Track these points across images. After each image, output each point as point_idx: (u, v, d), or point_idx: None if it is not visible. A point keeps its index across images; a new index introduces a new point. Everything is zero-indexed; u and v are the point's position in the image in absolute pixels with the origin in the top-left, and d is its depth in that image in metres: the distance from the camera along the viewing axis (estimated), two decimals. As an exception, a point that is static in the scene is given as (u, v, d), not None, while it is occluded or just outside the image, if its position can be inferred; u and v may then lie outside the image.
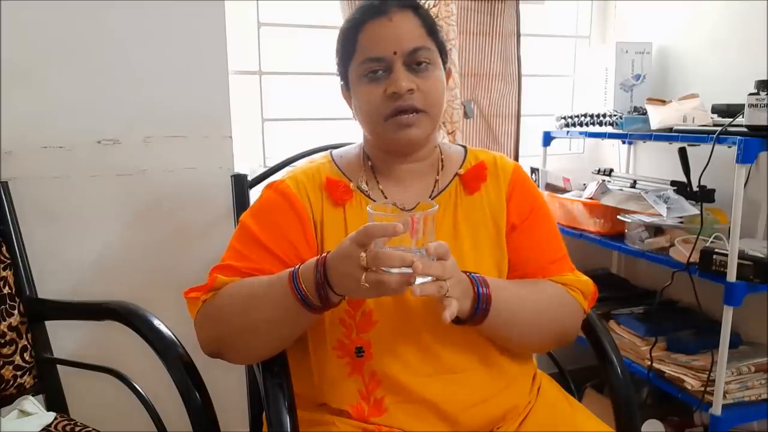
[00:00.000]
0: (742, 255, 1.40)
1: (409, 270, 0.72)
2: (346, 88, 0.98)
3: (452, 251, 0.93)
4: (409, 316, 0.90)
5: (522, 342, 0.96)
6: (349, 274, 0.74)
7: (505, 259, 0.98)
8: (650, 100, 1.72)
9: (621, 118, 1.74)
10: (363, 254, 0.72)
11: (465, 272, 0.87)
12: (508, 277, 0.98)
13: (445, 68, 0.97)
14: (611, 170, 1.96)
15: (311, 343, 0.93)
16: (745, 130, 1.38)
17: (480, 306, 0.85)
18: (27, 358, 1.23)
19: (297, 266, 0.82)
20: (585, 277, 1.01)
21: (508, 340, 0.94)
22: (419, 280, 0.74)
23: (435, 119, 0.94)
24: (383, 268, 0.72)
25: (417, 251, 0.75)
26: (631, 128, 1.71)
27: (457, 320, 0.87)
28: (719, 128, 1.42)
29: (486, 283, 0.86)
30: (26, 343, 1.24)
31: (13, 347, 1.21)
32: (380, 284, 0.72)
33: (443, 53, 0.96)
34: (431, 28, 0.93)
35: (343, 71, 0.97)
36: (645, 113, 1.70)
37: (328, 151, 1.05)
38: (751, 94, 1.36)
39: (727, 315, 1.42)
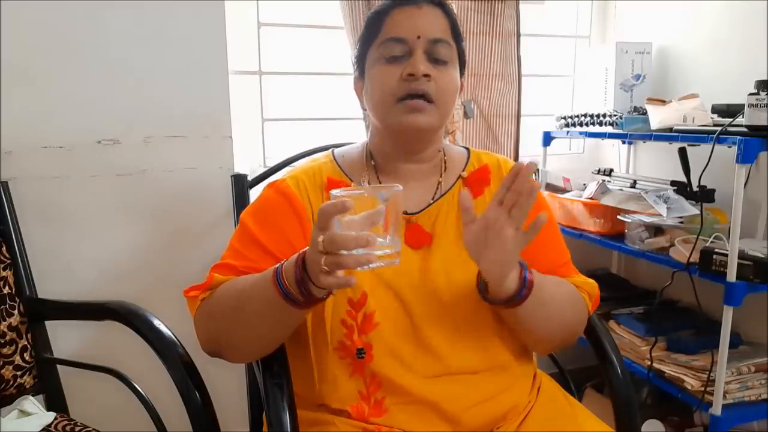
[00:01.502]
0: (742, 255, 1.40)
1: (364, 251, 0.70)
2: (360, 77, 0.98)
3: (457, 254, 0.93)
4: (411, 318, 0.90)
5: (541, 335, 0.95)
6: (313, 260, 0.73)
7: None
8: (650, 100, 1.72)
9: (621, 118, 1.74)
10: (321, 238, 0.71)
11: None
12: None
13: (461, 76, 0.97)
14: (611, 170, 1.96)
15: (312, 344, 0.93)
16: (745, 130, 1.38)
17: (524, 289, 0.84)
18: (27, 358, 1.23)
19: (282, 263, 0.81)
20: (591, 280, 1.02)
21: (532, 331, 0.93)
22: (379, 263, 0.72)
23: (443, 114, 0.93)
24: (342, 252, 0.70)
25: (389, 239, 0.73)
26: (631, 128, 1.71)
27: (493, 300, 0.87)
28: (719, 128, 1.42)
29: (531, 270, 0.86)
30: (26, 343, 1.24)
31: (13, 347, 1.21)
32: (338, 266, 0.70)
33: (462, 63, 0.96)
34: (456, 30, 0.94)
35: (361, 56, 0.97)
36: (645, 113, 1.70)
37: (330, 150, 1.05)
38: (751, 94, 1.36)
39: (727, 315, 1.42)
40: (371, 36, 0.94)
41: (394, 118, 0.92)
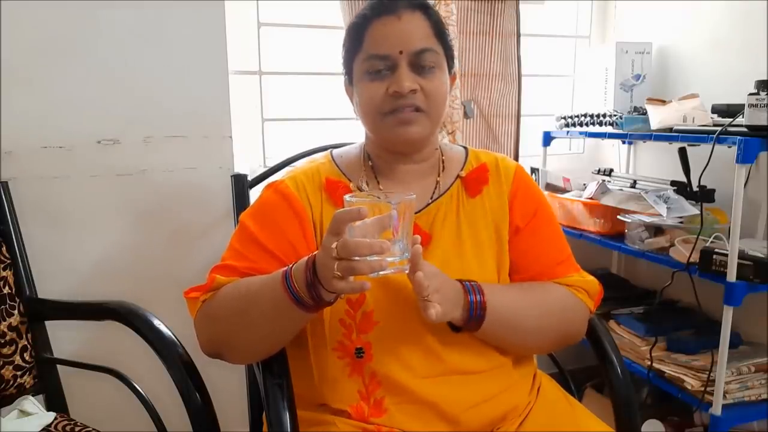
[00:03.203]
0: (742, 255, 1.39)
1: (377, 257, 0.71)
2: (350, 83, 0.98)
3: (455, 254, 0.93)
4: (410, 317, 0.90)
5: (524, 345, 0.97)
6: (324, 264, 0.73)
7: (506, 261, 0.98)
8: (650, 100, 1.72)
9: (621, 118, 1.74)
10: (334, 244, 0.71)
11: (460, 281, 0.87)
12: (513, 280, 0.99)
13: (450, 73, 0.97)
14: (611, 170, 1.96)
15: (311, 344, 0.93)
16: (745, 130, 1.38)
17: (473, 313, 0.86)
18: (27, 358, 1.23)
19: (290, 265, 0.81)
20: (590, 277, 1.01)
21: (509, 344, 0.95)
22: (391, 269, 0.73)
23: (435, 120, 0.94)
24: (355, 258, 0.71)
25: (396, 242, 0.74)
26: (631, 128, 1.71)
27: (454, 328, 0.89)
28: (719, 128, 1.42)
29: (480, 290, 0.87)
30: (26, 343, 1.24)
31: (13, 347, 1.21)
32: (351, 271, 0.71)
33: (450, 57, 0.96)
34: (439, 31, 0.93)
35: (348, 65, 0.96)
36: (645, 113, 1.70)
37: (329, 150, 1.05)
38: (751, 94, 1.36)
39: (727, 315, 1.42)
40: (354, 48, 0.93)
41: (385, 132, 0.92)
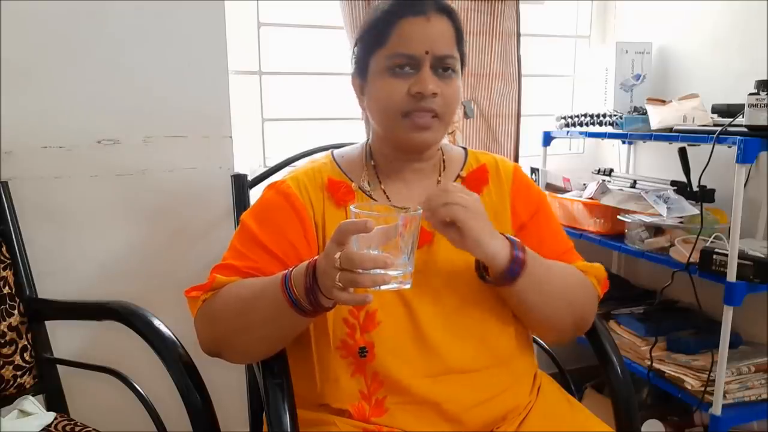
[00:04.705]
0: (742, 255, 1.39)
1: (382, 271, 0.71)
2: (359, 77, 0.97)
3: (458, 252, 0.92)
4: (414, 316, 0.90)
5: (546, 315, 0.95)
6: (326, 273, 0.73)
7: None
8: (650, 100, 1.72)
9: (621, 118, 1.73)
10: (338, 254, 0.71)
11: (503, 234, 0.87)
12: None
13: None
14: (611, 170, 1.96)
15: (314, 343, 0.93)
16: (745, 130, 1.38)
17: (512, 268, 0.85)
18: (27, 358, 1.23)
19: (290, 269, 0.81)
20: (596, 264, 1.02)
21: (534, 309, 0.93)
22: (393, 284, 0.73)
23: (447, 125, 0.95)
24: (359, 270, 0.70)
25: (400, 256, 0.74)
26: (631, 128, 1.70)
27: (487, 279, 0.89)
28: (719, 128, 1.42)
29: (523, 248, 0.86)
30: (26, 343, 1.24)
31: (13, 347, 1.21)
32: (353, 283, 0.70)
33: (463, 64, 0.97)
34: (460, 38, 0.94)
35: (363, 58, 0.95)
36: (645, 113, 1.70)
37: (330, 150, 1.05)
38: (751, 94, 1.36)
39: (727, 315, 1.42)
40: (377, 43, 0.92)
41: (400, 133, 0.92)
